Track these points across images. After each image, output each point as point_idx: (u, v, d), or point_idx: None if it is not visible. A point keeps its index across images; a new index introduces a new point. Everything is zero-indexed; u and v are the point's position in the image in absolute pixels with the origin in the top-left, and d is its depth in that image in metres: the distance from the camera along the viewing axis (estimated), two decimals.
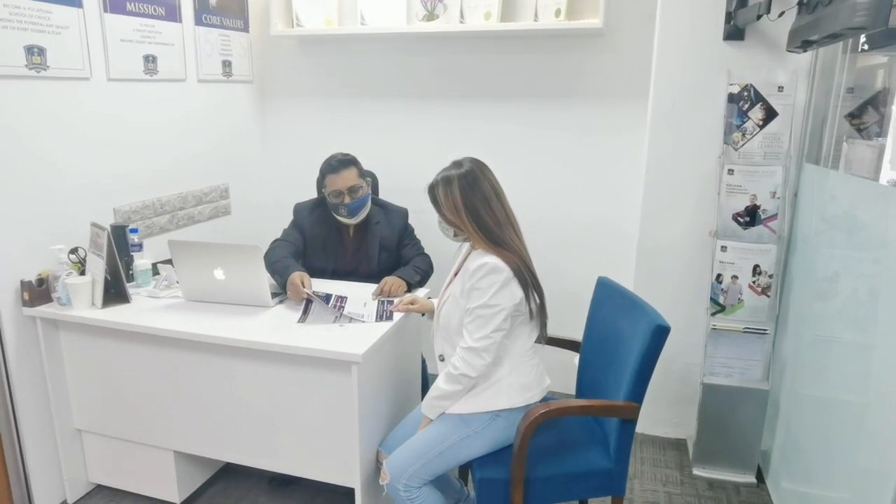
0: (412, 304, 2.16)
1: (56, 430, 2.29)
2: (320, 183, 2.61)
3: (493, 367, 1.81)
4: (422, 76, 3.20)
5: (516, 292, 1.78)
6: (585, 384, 2.16)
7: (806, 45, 2.01)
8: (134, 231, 2.50)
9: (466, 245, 1.99)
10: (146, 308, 2.19)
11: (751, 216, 2.46)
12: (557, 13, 2.80)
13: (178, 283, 2.35)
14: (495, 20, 2.88)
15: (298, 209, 2.68)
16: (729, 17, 2.45)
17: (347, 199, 2.49)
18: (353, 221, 2.56)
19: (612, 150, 3.01)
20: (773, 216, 2.44)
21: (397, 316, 2.12)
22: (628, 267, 2.89)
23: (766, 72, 2.38)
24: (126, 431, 2.27)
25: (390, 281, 2.35)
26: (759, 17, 2.22)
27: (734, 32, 2.45)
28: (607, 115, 2.98)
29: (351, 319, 2.05)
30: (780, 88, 2.36)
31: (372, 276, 2.55)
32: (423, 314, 2.26)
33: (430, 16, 3.03)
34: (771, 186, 2.41)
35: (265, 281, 2.14)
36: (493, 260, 1.77)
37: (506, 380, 1.84)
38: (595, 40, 2.91)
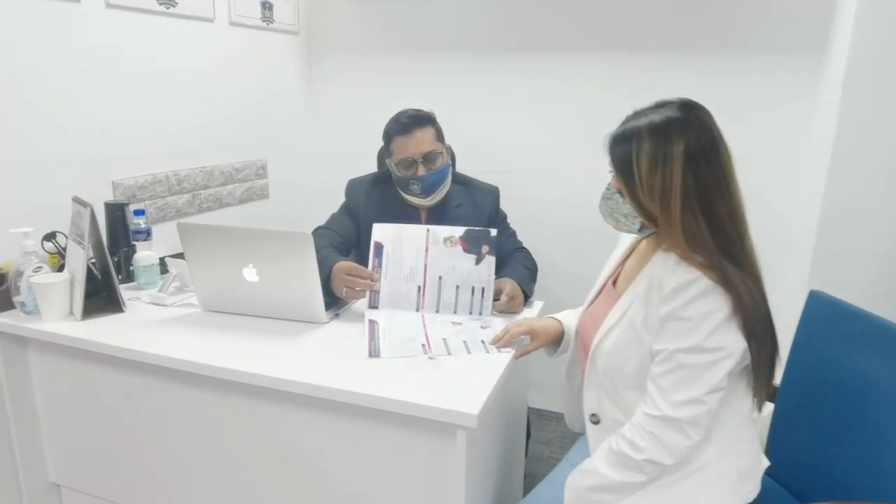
0: (531, 334, 1.42)
1: (24, 484, 1.64)
2: (384, 151, 1.92)
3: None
4: (514, 24, 2.47)
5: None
6: (791, 456, 1.41)
7: None
8: (139, 213, 1.84)
9: (628, 235, 1.28)
10: (144, 321, 1.52)
11: None
12: None
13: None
14: None
15: (353, 187, 1.99)
16: None
17: (422, 171, 1.80)
18: (428, 202, 1.86)
19: (767, 121, 2.25)
20: None
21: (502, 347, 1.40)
22: (794, 281, 2.12)
23: None
24: (118, 491, 1.61)
25: (509, 288, 1.64)
26: None
27: None
28: (761, 75, 2.22)
29: (449, 352, 1.34)
30: None
31: None
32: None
33: None
34: None
35: (318, 286, 1.45)
36: (709, 276, 1.05)
37: (714, 465, 1.11)
38: None
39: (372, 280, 1.56)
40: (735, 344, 1.04)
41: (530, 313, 1.63)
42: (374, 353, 1.31)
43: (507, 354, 1.34)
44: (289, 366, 1.28)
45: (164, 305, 1.61)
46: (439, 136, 1.87)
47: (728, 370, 1.04)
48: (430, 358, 1.30)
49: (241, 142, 2.41)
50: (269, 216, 2.57)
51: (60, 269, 1.63)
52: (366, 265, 1.65)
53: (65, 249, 1.66)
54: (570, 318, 1.46)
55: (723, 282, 1.04)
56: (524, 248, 1.98)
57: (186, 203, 2.16)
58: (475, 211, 1.95)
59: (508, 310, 1.61)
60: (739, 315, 1.04)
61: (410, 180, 1.81)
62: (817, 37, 2.09)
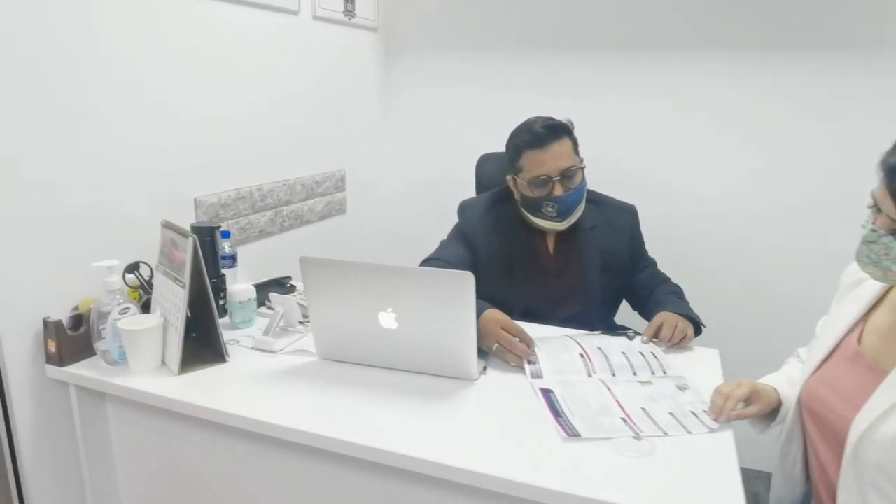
0: (751, 399, 1.12)
1: None
2: (508, 166, 1.63)
3: None
4: (633, 18, 2.17)
5: None
6: None
7: None
8: (225, 235, 1.58)
9: (862, 277, 1.00)
10: (253, 376, 1.24)
11: None
12: None
13: (304, 323, 1.42)
14: None
15: (467, 210, 1.72)
16: None
17: (559, 191, 1.51)
18: (563, 226, 1.58)
19: None
20: None
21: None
22: None
23: None
24: None
25: (670, 321, 1.39)
26: None
27: None
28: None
29: (665, 432, 1.04)
30: None
31: (588, 318, 1.58)
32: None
33: None
34: None
35: (474, 337, 1.17)
36: None
37: None
38: None
39: (530, 347, 1.29)
40: None
41: (713, 357, 1.35)
42: (570, 432, 1.02)
43: (729, 431, 1.05)
44: (457, 445, 1.00)
45: (272, 352, 1.34)
46: (576, 149, 1.59)
47: None
48: (637, 439, 1.01)
49: (320, 151, 2.14)
50: (348, 234, 2.30)
51: (145, 306, 1.37)
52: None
53: (148, 283, 1.39)
54: (782, 385, 1.18)
55: None
56: (666, 277, 1.70)
57: (269, 221, 1.89)
58: (611, 233, 1.67)
59: (676, 342, 1.37)
60: None
61: (544, 201, 1.53)
62: None
